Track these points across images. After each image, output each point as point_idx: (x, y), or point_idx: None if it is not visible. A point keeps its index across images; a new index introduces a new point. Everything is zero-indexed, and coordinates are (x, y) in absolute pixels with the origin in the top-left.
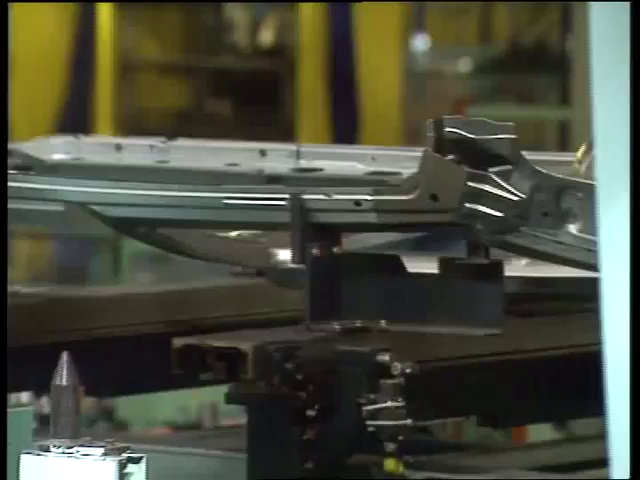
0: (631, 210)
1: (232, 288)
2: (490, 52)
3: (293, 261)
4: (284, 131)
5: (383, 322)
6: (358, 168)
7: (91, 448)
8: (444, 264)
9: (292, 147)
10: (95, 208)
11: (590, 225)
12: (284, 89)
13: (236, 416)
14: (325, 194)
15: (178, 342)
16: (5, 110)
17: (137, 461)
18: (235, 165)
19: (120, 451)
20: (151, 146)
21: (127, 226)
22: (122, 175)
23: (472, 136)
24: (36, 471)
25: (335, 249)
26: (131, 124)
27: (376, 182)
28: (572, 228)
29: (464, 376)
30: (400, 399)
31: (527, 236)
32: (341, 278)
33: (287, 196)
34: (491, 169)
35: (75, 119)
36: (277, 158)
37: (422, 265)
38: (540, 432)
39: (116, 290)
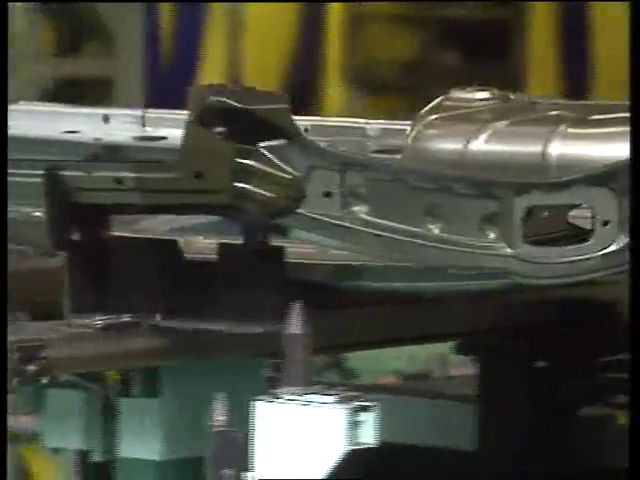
0: (631, 210)
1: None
2: None
3: (51, 247)
4: (513, 82)
5: (157, 316)
6: None
7: (322, 396)
8: (222, 250)
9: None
10: None
11: (378, 207)
12: (514, 39)
13: (465, 366)
14: (85, 170)
15: None
16: (5, 109)
17: (368, 409)
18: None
19: (351, 399)
20: None
21: None
22: None
23: (240, 106)
24: (269, 417)
25: (101, 233)
26: (360, 75)
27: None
28: (358, 210)
29: None
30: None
31: (306, 219)
32: (108, 266)
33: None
34: (263, 143)
35: (305, 71)
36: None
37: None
38: None
39: None
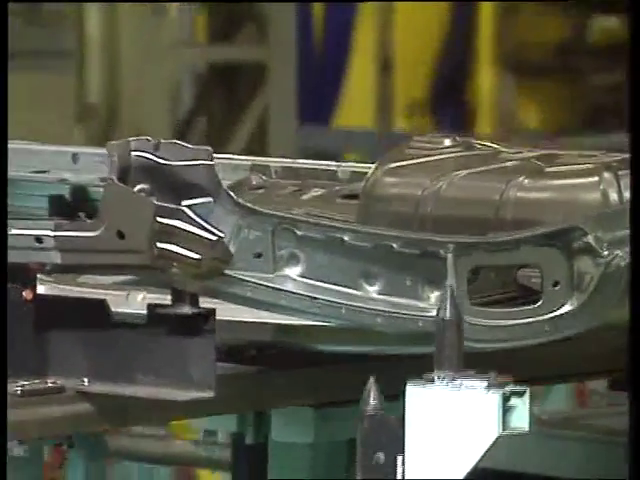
0: (631, 210)
1: None
2: None
3: None
4: None
5: (85, 380)
6: None
7: (474, 381)
8: (150, 312)
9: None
10: None
11: (312, 268)
12: None
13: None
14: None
15: None
16: (5, 110)
17: (521, 394)
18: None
19: (503, 384)
20: None
21: None
22: None
23: (163, 162)
24: (420, 401)
25: (25, 293)
26: (511, 58)
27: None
28: (291, 272)
29: None
30: None
31: (235, 281)
32: (33, 327)
33: None
34: (186, 202)
35: (456, 56)
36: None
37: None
38: None
39: None
